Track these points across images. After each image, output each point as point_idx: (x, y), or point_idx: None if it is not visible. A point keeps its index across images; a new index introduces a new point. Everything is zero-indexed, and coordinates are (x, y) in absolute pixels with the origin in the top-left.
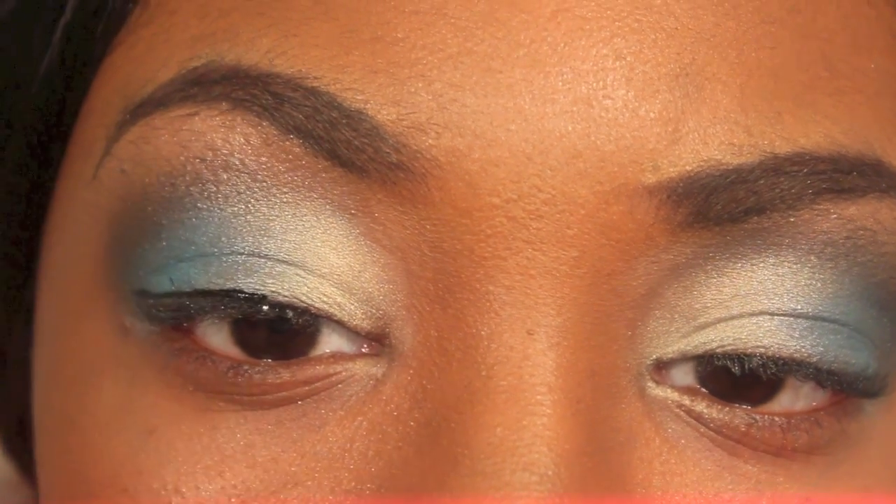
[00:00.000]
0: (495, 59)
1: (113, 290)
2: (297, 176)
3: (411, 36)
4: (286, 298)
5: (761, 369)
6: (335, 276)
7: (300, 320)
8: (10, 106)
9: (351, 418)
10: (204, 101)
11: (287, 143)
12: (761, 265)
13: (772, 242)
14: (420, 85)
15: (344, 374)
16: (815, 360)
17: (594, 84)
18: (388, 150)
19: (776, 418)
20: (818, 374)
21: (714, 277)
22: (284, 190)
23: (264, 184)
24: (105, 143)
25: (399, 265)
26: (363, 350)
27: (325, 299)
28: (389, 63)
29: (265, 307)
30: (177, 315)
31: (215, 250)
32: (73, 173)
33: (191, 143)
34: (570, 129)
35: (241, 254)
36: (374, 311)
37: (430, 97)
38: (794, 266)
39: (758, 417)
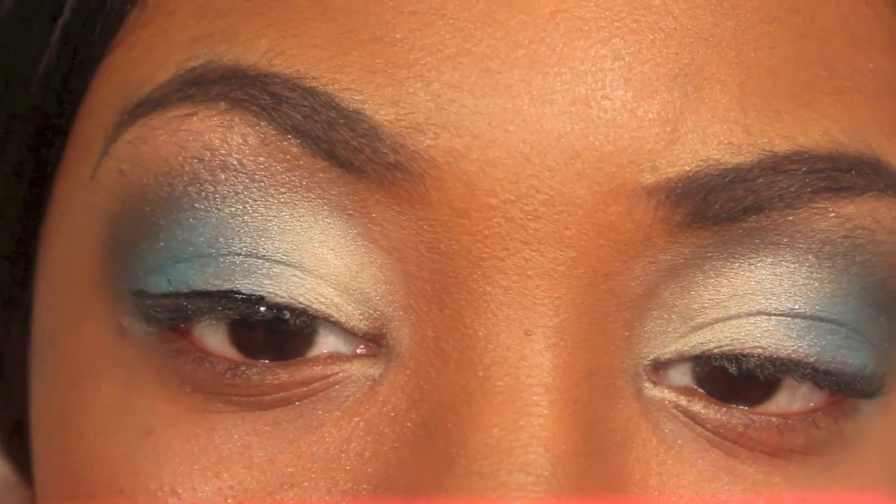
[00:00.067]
0: (494, 60)
1: (110, 291)
2: (294, 176)
3: (410, 36)
4: (284, 299)
5: (758, 370)
6: (333, 277)
7: (297, 321)
8: (8, 106)
9: (348, 419)
10: (202, 101)
11: (285, 142)
12: (759, 265)
13: (770, 241)
14: (418, 85)
15: (341, 374)
16: (812, 360)
17: (593, 84)
18: (385, 151)
19: (773, 419)
20: (815, 375)
21: (712, 277)
22: (282, 190)
23: (262, 184)
24: (103, 143)
25: (396, 265)
26: (360, 351)
27: (322, 300)
28: (388, 63)
29: (263, 308)
30: (174, 316)
31: (213, 251)
32: (71, 174)
33: (189, 143)
34: (568, 129)
35: (239, 255)
36: (371, 311)
37: (428, 98)
38: (792, 265)
39: (755, 418)
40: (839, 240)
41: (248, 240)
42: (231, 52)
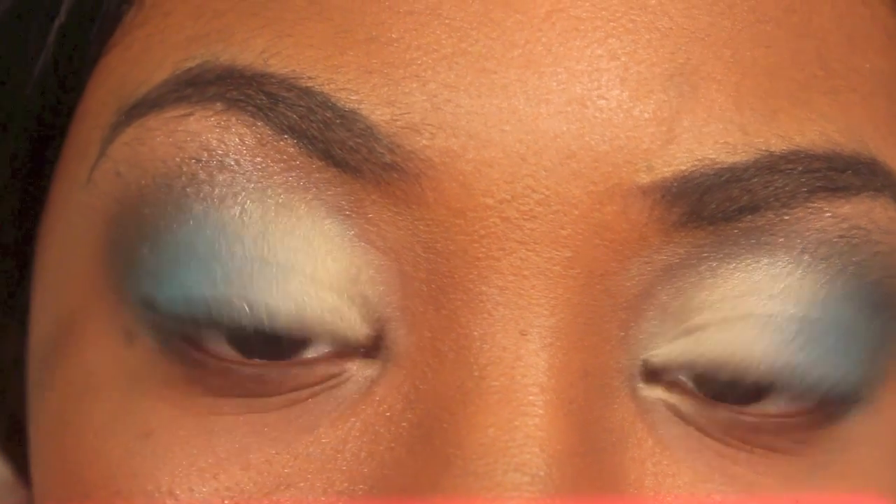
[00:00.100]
0: (490, 60)
1: (112, 294)
2: (291, 176)
3: (406, 36)
4: (286, 308)
5: (745, 380)
6: (332, 281)
7: (298, 326)
8: (5, 107)
9: (344, 419)
10: (198, 101)
11: (281, 143)
12: (754, 265)
13: (766, 242)
14: (414, 85)
15: (339, 375)
16: (800, 369)
17: (588, 84)
18: (382, 151)
19: (766, 419)
20: (802, 384)
21: (707, 279)
22: (279, 191)
23: (259, 185)
24: (100, 144)
25: (393, 266)
26: (358, 351)
27: (323, 306)
28: (384, 63)
29: (265, 317)
30: (177, 322)
31: (213, 257)
32: (68, 175)
33: (186, 143)
34: (564, 129)
35: (240, 262)
36: (369, 313)
37: (424, 98)
38: (788, 266)
39: (748, 419)
40: (835, 240)
41: (249, 245)
42: (227, 53)
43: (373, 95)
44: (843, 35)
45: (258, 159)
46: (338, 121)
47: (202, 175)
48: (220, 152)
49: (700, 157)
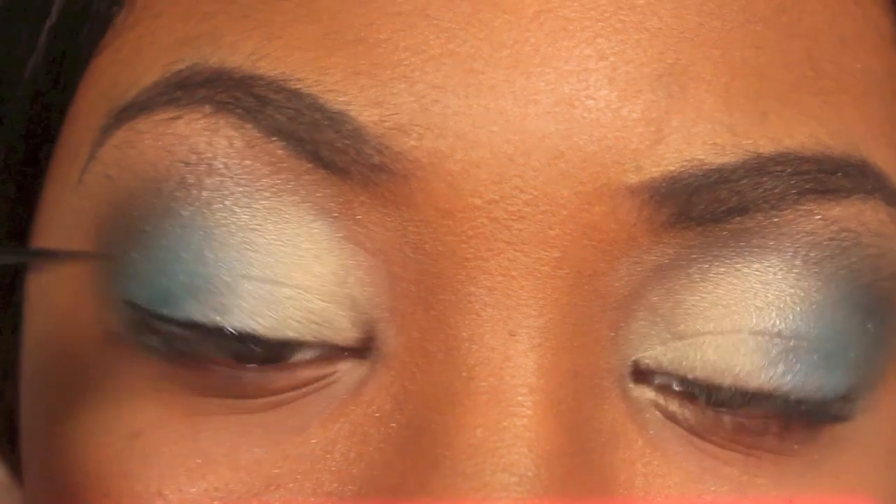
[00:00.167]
0: (478, 60)
1: (101, 296)
2: (280, 179)
3: (394, 37)
4: (274, 321)
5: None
6: (321, 287)
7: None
8: None
9: (333, 420)
10: (187, 104)
11: (270, 145)
12: (746, 271)
13: (756, 245)
14: (402, 86)
15: (328, 376)
16: (785, 389)
17: (577, 84)
18: (370, 152)
19: (757, 421)
20: (795, 394)
21: (697, 282)
22: (267, 195)
23: (247, 188)
24: (90, 147)
25: (382, 267)
26: (347, 353)
27: (312, 314)
28: (372, 64)
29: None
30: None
31: (200, 262)
32: (60, 177)
33: (175, 147)
34: (552, 129)
35: (228, 275)
36: (358, 315)
37: (412, 98)
38: (780, 272)
39: (740, 420)
40: (825, 242)
41: (235, 254)
42: (216, 55)
43: (361, 97)
44: (834, 35)
45: (247, 162)
46: (326, 122)
47: (191, 179)
48: (208, 155)
49: (689, 158)
